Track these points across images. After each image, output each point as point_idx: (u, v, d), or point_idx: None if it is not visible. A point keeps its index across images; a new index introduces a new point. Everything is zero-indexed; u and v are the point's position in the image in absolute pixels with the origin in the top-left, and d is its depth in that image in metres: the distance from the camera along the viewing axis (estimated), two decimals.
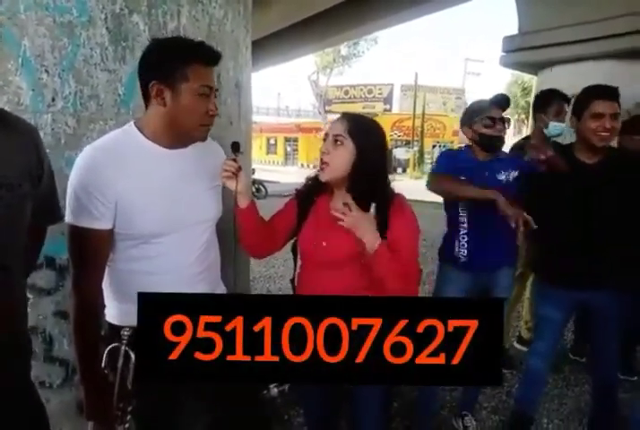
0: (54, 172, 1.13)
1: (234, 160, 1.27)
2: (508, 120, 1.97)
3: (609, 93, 1.76)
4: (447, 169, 1.97)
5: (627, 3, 4.54)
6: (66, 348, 1.55)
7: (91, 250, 1.15)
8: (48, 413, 1.54)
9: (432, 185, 1.98)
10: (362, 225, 1.24)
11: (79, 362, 1.20)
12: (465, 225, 1.97)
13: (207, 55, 1.16)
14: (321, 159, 1.32)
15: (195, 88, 1.14)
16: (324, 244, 1.36)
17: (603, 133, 1.73)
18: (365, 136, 1.30)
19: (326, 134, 1.34)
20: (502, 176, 1.92)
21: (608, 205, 1.79)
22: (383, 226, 1.30)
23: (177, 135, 1.20)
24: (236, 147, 1.28)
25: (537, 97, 2.87)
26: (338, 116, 1.40)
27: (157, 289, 1.15)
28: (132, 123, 1.22)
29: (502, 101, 1.98)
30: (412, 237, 1.37)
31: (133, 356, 1.19)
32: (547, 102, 2.69)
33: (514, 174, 1.93)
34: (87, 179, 1.11)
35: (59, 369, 1.55)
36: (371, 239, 1.24)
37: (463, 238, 1.98)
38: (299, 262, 1.51)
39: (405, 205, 1.36)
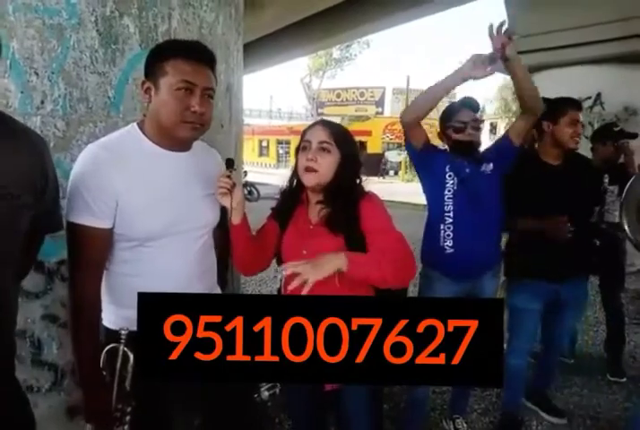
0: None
1: (228, 177, 1.26)
2: (481, 121, 1.97)
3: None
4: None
5: (617, 8, 4.62)
6: (55, 351, 1.54)
7: (91, 249, 1.14)
8: (37, 418, 1.54)
9: (406, 111, 1.99)
10: (321, 268, 1.18)
11: (77, 364, 1.20)
12: (450, 226, 1.95)
13: (187, 51, 1.15)
14: (308, 167, 1.31)
15: (173, 82, 1.12)
16: (304, 252, 1.35)
17: (577, 138, 2.04)
18: (347, 143, 1.34)
19: (307, 141, 1.34)
20: (484, 168, 1.93)
21: (573, 200, 2.01)
22: (356, 221, 1.31)
23: (162, 132, 1.18)
24: (230, 163, 1.27)
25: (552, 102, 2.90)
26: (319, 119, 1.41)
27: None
28: (135, 123, 1.22)
29: (468, 103, 1.99)
30: (385, 220, 1.35)
31: (131, 356, 1.19)
32: (563, 110, 2.72)
33: (490, 166, 1.93)
34: (89, 177, 1.11)
35: (48, 373, 1.54)
36: (337, 264, 1.19)
37: (448, 235, 1.94)
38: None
39: (374, 198, 1.37)
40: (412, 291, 4.31)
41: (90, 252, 1.14)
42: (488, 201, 1.92)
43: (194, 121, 1.16)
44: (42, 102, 1.39)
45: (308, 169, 1.31)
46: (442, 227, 1.95)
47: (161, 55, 1.15)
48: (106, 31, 1.45)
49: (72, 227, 1.13)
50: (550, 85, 5.05)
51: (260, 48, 10.81)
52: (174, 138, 1.20)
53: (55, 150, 1.44)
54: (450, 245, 1.94)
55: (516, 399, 2.30)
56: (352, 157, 1.35)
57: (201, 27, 1.73)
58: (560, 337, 2.36)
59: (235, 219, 1.32)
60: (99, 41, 1.44)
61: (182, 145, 1.24)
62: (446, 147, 2.07)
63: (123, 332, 1.16)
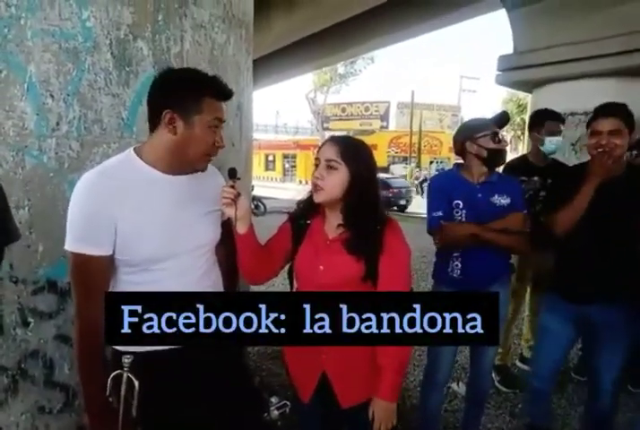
0: (55, 195, 1.13)
1: (232, 187, 1.27)
2: (503, 137, 2.00)
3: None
4: (445, 212, 1.96)
5: (621, 22, 4.65)
6: (67, 372, 1.53)
7: (92, 277, 1.14)
8: None
9: (443, 243, 1.98)
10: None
11: (83, 388, 1.19)
12: (459, 257, 1.97)
13: (221, 91, 1.20)
14: (315, 184, 1.32)
15: (208, 120, 1.17)
16: (321, 267, 1.35)
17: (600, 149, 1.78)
18: (357, 159, 1.31)
19: (317, 159, 1.34)
20: (495, 200, 1.93)
21: (617, 220, 1.79)
22: (377, 248, 1.31)
23: (180, 163, 1.21)
24: (233, 173, 1.28)
25: (531, 116, 2.92)
26: (331, 134, 1.41)
27: None
28: (131, 149, 1.23)
29: (503, 119, 2.02)
30: (405, 261, 1.38)
31: (136, 383, 1.17)
32: (540, 121, 2.76)
33: (507, 201, 1.94)
34: (86, 205, 1.11)
35: (59, 394, 1.53)
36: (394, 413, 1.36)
37: (457, 258, 1.97)
38: (295, 286, 1.49)
39: (397, 228, 1.37)
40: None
41: (92, 279, 1.14)
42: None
43: (214, 154, 1.23)
44: (57, 124, 1.42)
45: (315, 187, 1.32)
46: (450, 257, 1.99)
47: (197, 92, 1.16)
48: (120, 54, 1.47)
49: (72, 257, 1.13)
50: (556, 99, 5.08)
51: (266, 66, 10.98)
52: (190, 169, 1.24)
53: (69, 171, 1.46)
54: (458, 274, 1.97)
55: (541, 411, 2.19)
56: (363, 174, 1.31)
57: (212, 48, 1.76)
58: (601, 372, 1.94)
59: (240, 229, 1.32)
60: (114, 64, 1.47)
61: (189, 172, 1.26)
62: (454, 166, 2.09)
63: (126, 360, 1.15)
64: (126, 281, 1.21)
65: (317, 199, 1.34)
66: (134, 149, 1.23)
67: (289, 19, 8.45)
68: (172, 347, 1.20)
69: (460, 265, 1.96)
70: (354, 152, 1.32)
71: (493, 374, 2.85)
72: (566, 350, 2.05)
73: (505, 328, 2.81)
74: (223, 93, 1.20)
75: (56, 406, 1.51)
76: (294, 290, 1.50)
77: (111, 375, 1.18)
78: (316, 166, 1.36)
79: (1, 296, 1.43)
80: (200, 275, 1.29)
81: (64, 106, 1.41)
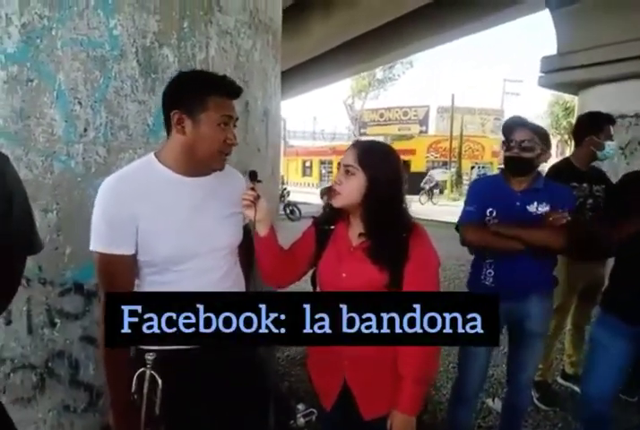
0: (82, 199, 1.14)
1: (252, 189, 1.29)
2: (524, 141, 1.84)
3: None
4: (478, 210, 1.90)
5: None
6: (92, 372, 1.56)
7: (117, 276, 1.18)
8: None
9: (468, 239, 1.91)
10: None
11: (108, 387, 1.23)
12: (492, 264, 1.91)
13: (227, 89, 1.21)
14: (334, 189, 1.31)
15: (215, 118, 1.18)
16: (344, 275, 1.33)
17: None
18: (376, 165, 1.28)
19: (339, 164, 1.33)
20: (532, 208, 1.84)
21: None
22: (402, 257, 1.27)
23: (195, 163, 1.22)
24: (253, 176, 1.30)
25: (583, 119, 2.76)
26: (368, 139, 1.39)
27: None
28: (152, 153, 1.26)
29: (517, 122, 1.92)
30: (433, 271, 1.33)
31: (159, 381, 1.20)
32: (599, 125, 2.60)
33: (546, 208, 1.84)
34: (108, 207, 1.15)
35: (84, 394, 1.56)
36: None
37: (490, 265, 1.89)
38: None
39: (424, 236, 1.33)
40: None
41: (116, 278, 1.18)
42: None
43: (228, 152, 1.24)
44: (85, 130, 1.46)
45: (334, 192, 1.31)
46: (484, 264, 1.91)
47: (201, 91, 1.18)
48: (146, 61, 1.50)
49: (97, 257, 1.17)
50: (603, 101, 4.83)
51: (304, 72, 11.07)
52: (206, 168, 1.25)
53: (96, 176, 1.49)
54: (490, 281, 1.90)
55: None
56: (382, 179, 1.28)
57: (238, 54, 1.77)
58: None
59: (261, 231, 1.34)
60: (140, 71, 1.50)
61: (206, 173, 1.27)
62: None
63: (149, 358, 1.18)
64: (150, 281, 1.25)
65: (335, 204, 1.33)
66: (155, 153, 1.26)
67: (327, 24, 8.49)
68: (193, 346, 1.20)
69: (492, 273, 1.88)
70: (373, 157, 1.29)
71: (532, 391, 2.71)
72: (625, 370, 1.87)
73: (547, 343, 2.66)
74: (230, 90, 1.21)
75: (80, 405, 1.55)
76: None
77: (136, 374, 1.22)
78: (338, 170, 1.34)
79: (30, 296, 1.47)
80: (221, 275, 1.31)
81: (92, 112, 1.45)
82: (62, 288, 1.49)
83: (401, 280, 1.28)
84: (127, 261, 1.18)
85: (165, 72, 1.55)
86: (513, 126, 1.89)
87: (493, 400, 2.79)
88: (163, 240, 1.19)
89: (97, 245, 1.16)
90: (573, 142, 2.82)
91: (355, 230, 1.35)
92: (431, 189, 19.98)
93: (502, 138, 1.98)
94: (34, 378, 1.51)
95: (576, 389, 2.95)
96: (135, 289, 1.25)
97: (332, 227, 1.41)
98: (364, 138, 28.02)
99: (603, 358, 1.84)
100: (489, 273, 1.89)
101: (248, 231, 1.47)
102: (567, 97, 20.84)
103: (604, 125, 2.57)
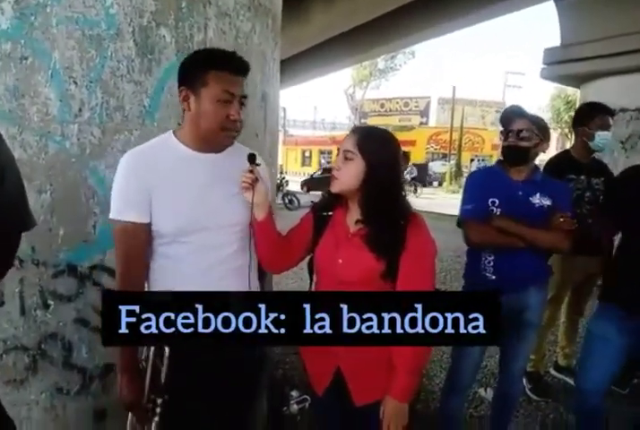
0: (76, 180, 1.14)
1: (251, 172, 1.29)
2: (530, 130, 1.83)
3: None
4: (478, 205, 1.87)
5: None
6: (85, 355, 1.56)
7: (133, 241, 1.24)
8: (65, 420, 1.57)
9: (472, 239, 1.89)
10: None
11: (118, 350, 1.27)
12: (492, 255, 1.89)
13: (228, 63, 1.21)
14: (332, 175, 1.31)
15: (215, 93, 1.19)
16: (340, 261, 1.33)
17: None
18: (375, 151, 1.27)
19: (338, 149, 1.33)
20: (536, 200, 1.83)
21: None
22: (399, 245, 1.26)
23: (201, 139, 1.26)
24: (252, 158, 1.29)
25: (579, 110, 2.76)
26: None
27: (183, 286, 1.26)
28: (170, 131, 1.31)
29: (514, 112, 1.90)
30: (429, 261, 1.32)
31: (166, 348, 1.24)
32: (590, 115, 2.58)
33: (548, 202, 1.84)
34: (125, 178, 1.23)
35: (77, 376, 1.56)
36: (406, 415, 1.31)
37: (489, 256, 1.89)
38: (315, 279, 1.47)
39: (422, 225, 1.32)
40: None
41: (132, 244, 1.25)
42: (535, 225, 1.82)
43: (232, 128, 1.25)
44: (80, 110, 1.43)
45: (332, 177, 1.31)
46: (482, 255, 1.90)
47: (202, 66, 1.20)
48: (142, 42, 1.47)
49: (115, 224, 1.25)
50: (606, 94, 4.80)
51: (305, 60, 10.97)
52: (213, 144, 1.28)
53: (90, 158, 1.48)
54: (491, 272, 1.88)
55: None
56: (380, 165, 1.27)
57: (237, 37, 1.74)
58: None
59: (258, 215, 1.34)
60: (136, 51, 1.47)
61: (217, 149, 1.30)
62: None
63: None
64: (160, 253, 1.30)
65: (333, 189, 1.32)
66: (173, 131, 1.31)
67: (329, 13, 8.39)
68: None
69: (493, 263, 1.87)
70: (372, 143, 1.28)
71: (524, 382, 2.74)
72: (620, 363, 1.87)
73: (539, 334, 2.67)
74: (232, 66, 1.21)
75: (73, 388, 1.55)
76: (313, 283, 1.49)
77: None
78: (337, 156, 1.34)
79: (23, 277, 1.46)
80: (230, 252, 1.33)
81: (87, 92, 1.43)
82: (55, 269, 1.48)
83: (396, 269, 1.28)
84: (141, 229, 1.24)
85: (162, 52, 1.52)
86: (511, 116, 1.88)
87: (485, 390, 2.82)
88: (173, 212, 1.24)
89: (116, 213, 1.24)
90: (573, 135, 2.81)
91: (353, 217, 1.35)
92: (413, 180, 19.68)
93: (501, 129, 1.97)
94: (27, 360, 1.51)
95: (569, 381, 2.98)
96: (149, 261, 1.31)
97: (331, 213, 1.40)
98: (358, 125, 27.91)
99: (600, 351, 1.84)
100: (489, 264, 1.87)
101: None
102: (570, 90, 20.73)
103: (595, 115, 2.54)
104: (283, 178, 14.02)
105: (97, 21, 1.41)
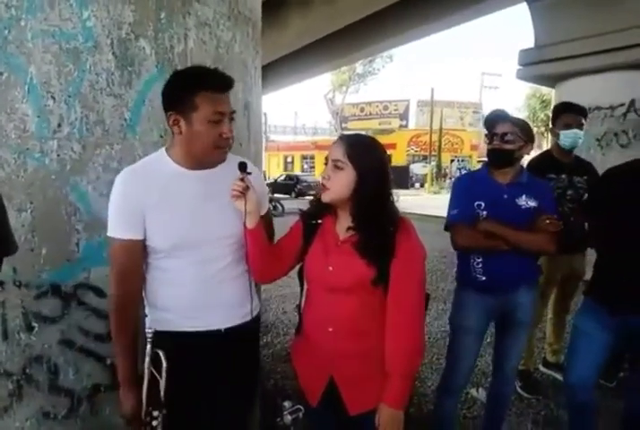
0: (57, 197, 1.12)
1: (242, 180, 1.29)
2: (513, 133, 1.85)
3: None
4: (465, 209, 1.88)
5: None
6: (72, 377, 1.51)
7: (128, 257, 1.27)
8: None
9: (459, 243, 1.90)
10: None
11: (117, 359, 1.31)
12: (480, 257, 1.90)
13: (214, 83, 1.21)
14: (323, 184, 1.30)
15: (206, 116, 1.20)
16: (331, 268, 1.32)
17: None
18: (364, 159, 1.27)
19: (326, 158, 1.32)
20: (522, 202, 1.85)
21: None
22: (389, 251, 1.26)
23: (193, 158, 1.28)
24: (243, 167, 1.29)
25: (552, 110, 2.85)
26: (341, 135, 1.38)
27: (178, 300, 1.33)
28: (163, 149, 1.33)
29: (498, 116, 1.93)
30: (419, 266, 1.33)
31: (163, 357, 1.26)
32: (555, 115, 2.68)
33: (534, 204, 1.86)
34: (120, 197, 1.25)
35: (64, 400, 1.51)
36: (401, 420, 1.31)
37: (478, 258, 1.90)
38: (305, 287, 1.46)
39: (411, 230, 1.32)
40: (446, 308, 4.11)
41: (128, 259, 1.27)
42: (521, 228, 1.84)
43: (225, 146, 1.27)
44: (59, 125, 1.40)
45: (323, 187, 1.30)
46: (471, 257, 1.91)
47: (188, 89, 1.20)
48: (122, 54, 1.44)
49: (111, 242, 1.28)
50: (579, 93, 4.91)
51: (284, 66, 10.98)
52: (206, 163, 1.29)
53: (71, 173, 1.44)
54: (481, 273, 1.89)
55: None
56: (370, 173, 1.27)
57: (218, 46, 1.72)
58: None
59: (250, 223, 1.33)
60: (115, 64, 1.44)
61: (210, 166, 1.32)
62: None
63: (148, 331, 1.26)
64: (155, 267, 1.33)
65: (324, 199, 1.32)
66: (165, 149, 1.33)
67: (306, 18, 8.41)
68: (196, 329, 1.33)
69: (482, 265, 1.88)
70: (361, 152, 1.28)
71: (515, 380, 2.76)
72: (605, 358, 1.89)
73: (529, 331, 2.70)
74: (217, 85, 1.22)
75: (60, 411, 1.49)
76: (304, 291, 1.48)
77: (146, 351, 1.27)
78: (325, 165, 1.33)
79: (5, 300, 1.41)
80: (225, 265, 1.35)
81: (66, 107, 1.39)
82: (38, 290, 1.44)
83: (387, 274, 1.28)
84: (136, 245, 1.27)
85: (142, 64, 1.49)
86: (495, 120, 1.91)
87: (477, 390, 2.83)
88: (168, 229, 1.26)
89: (112, 230, 1.27)
90: (549, 134, 2.90)
91: (342, 224, 1.34)
92: None
93: (481, 131, 2.00)
94: (10, 386, 1.46)
95: (558, 376, 3.01)
96: (144, 274, 1.34)
97: (320, 221, 1.40)
98: (347, 132, 28.06)
99: (585, 346, 1.87)
100: (478, 266, 1.89)
101: (267, 221, 1.48)
102: (544, 90, 21.20)
103: (560, 114, 2.63)
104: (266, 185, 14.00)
105: (74, 34, 1.38)
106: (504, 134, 1.84)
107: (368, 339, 1.34)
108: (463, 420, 2.52)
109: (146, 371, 1.27)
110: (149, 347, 1.26)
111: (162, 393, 1.27)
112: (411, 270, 1.30)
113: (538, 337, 3.16)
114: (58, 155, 1.40)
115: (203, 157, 1.27)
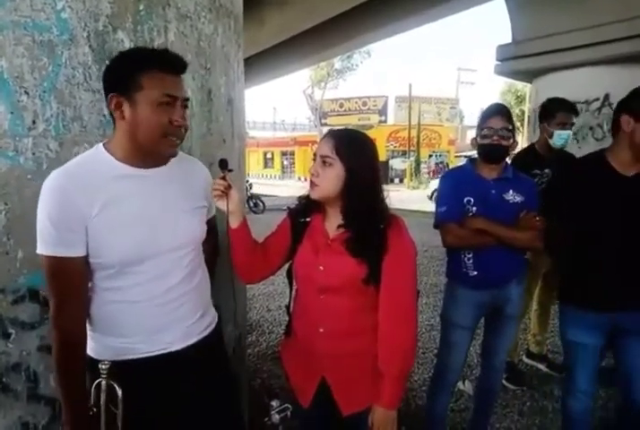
0: (33, 198, 1.05)
1: (223, 178, 1.23)
2: (509, 128, 1.86)
3: None
4: (453, 207, 1.88)
5: (620, 8, 4.56)
6: (52, 385, 1.44)
7: (68, 280, 1.09)
8: None
9: (449, 241, 1.89)
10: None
11: (63, 401, 1.14)
12: (470, 252, 1.91)
13: (163, 62, 1.08)
14: (311, 181, 1.27)
15: (153, 97, 1.06)
16: (321, 268, 1.30)
17: None
18: (354, 155, 1.24)
19: (315, 155, 1.29)
20: (509, 197, 1.87)
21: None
22: (380, 249, 1.24)
23: (142, 150, 1.12)
24: (224, 164, 1.23)
25: (542, 105, 2.80)
26: (329, 129, 1.35)
27: (135, 319, 1.17)
28: (100, 145, 1.16)
29: (497, 110, 1.92)
30: (411, 263, 1.31)
31: (119, 391, 1.12)
32: (551, 112, 2.64)
33: (521, 198, 1.87)
34: (53, 206, 1.06)
35: (45, 408, 1.44)
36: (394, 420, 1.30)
37: (468, 253, 1.90)
38: (295, 287, 1.43)
39: (402, 227, 1.31)
40: (428, 304, 4.14)
41: (68, 283, 1.09)
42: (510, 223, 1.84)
43: (175, 135, 1.12)
44: (34, 122, 1.32)
45: (311, 184, 1.27)
46: (462, 252, 1.91)
47: (133, 68, 1.07)
48: (99, 47, 1.38)
49: (45, 260, 1.08)
50: (557, 88, 4.98)
51: (262, 62, 10.87)
52: (153, 156, 1.14)
53: (48, 172, 1.35)
54: (472, 268, 1.90)
55: None
56: (360, 170, 1.24)
57: (199, 39, 1.67)
58: (633, 378, 1.78)
59: (233, 223, 1.30)
60: (93, 57, 1.37)
61: (159, 162, 1.18)
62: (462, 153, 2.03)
63: (103, 367, 1.11)
64: (104, 288, 1.15)
65: (313, 195, 1.29)
66: (104, 143, 1.16)
67: (284, 14, 8.33)
68: (148, 354, 1.17)
69: (472, 260, 1.89)
70: (351, 147, 1.25)
71: None
72: (597, 362, 1.87)
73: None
74: (168, 65, 1.09)
75: (41, 421, 1.43)
76: (294, 291, 1.44)
77: (94, 384, 1.13)
78: (313, 161, 1.30)
79: None
80: (183, 276, 1.22)
81: (41, 103, 1.32)
82: (15, 295, 1.36)
83: (379, 272, 1.26)
84: (79, 263, 1.08)
85: None
86: (492, 114, 1.89)
87: (464, 383, 2.85)
88: (117, 240, 1.09)
89: (44, 247, 1.07)
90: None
91: (332, 222, 1.32)
92: None
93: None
94: None
95: (541, 367, 3.07)
96: (89, 300, 1.18)
97: (308, 219, 1.37)
98: (326, 128, 27.99)
99: (583, 357, 1.82)
100: (469, 261, 1.89)
101: (213, 226, 1.40)
102: (519, 85, 21.53)
103: (556, 113, 2.60)
104: (247, 181, 13.87)
105: (47, 26, 1.30)
106: (502, 130, 1.84)
107: (360, 339, 1.32)
108: (451, 413, 2.53)
109: (103, 408, 1.12)
110: (104, 382, 1.12)
111: (120, 426, 1.13)
112: (403, 268, 1.28)
113: (520, 329, 3.21)
114: (34, 153, 1.33)
115: (151, 146, 1.10)
